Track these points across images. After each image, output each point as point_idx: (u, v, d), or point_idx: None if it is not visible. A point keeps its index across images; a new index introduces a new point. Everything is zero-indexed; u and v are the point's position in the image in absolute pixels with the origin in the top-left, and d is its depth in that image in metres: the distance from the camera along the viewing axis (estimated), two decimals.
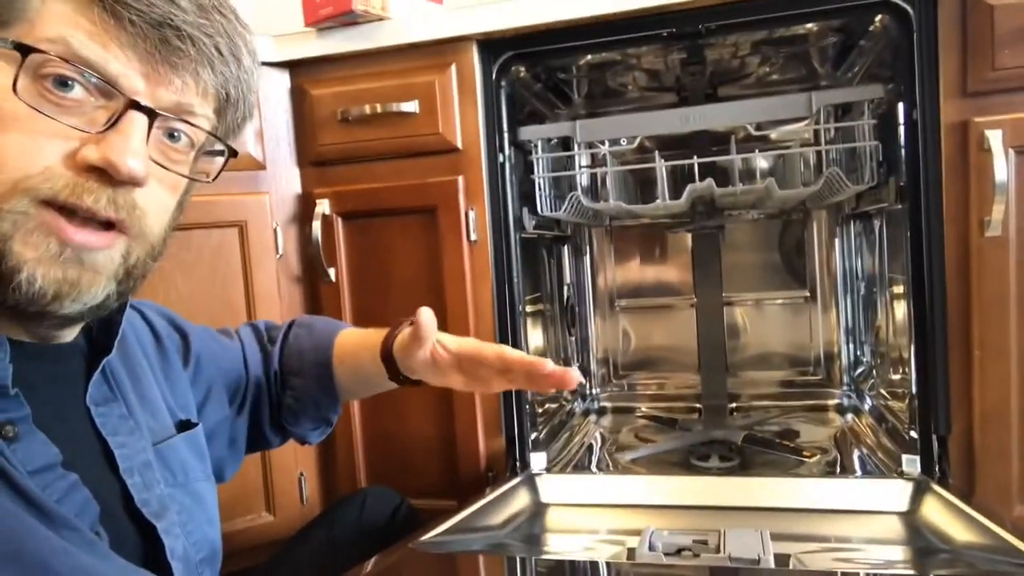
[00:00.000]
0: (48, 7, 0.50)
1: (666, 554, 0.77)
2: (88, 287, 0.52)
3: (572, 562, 0.86)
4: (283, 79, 1.23)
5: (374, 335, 0.85)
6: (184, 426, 0.71)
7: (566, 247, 1.64)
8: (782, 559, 0.78)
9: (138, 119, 0.51)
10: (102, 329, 0.63)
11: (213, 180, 0.62)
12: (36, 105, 0.49)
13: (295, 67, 1.22)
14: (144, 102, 0.52)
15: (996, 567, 0.73)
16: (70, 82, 0.50)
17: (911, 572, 0.85)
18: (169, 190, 0.57)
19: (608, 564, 0.82)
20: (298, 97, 1.22)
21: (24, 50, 0.48)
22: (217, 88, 0.56)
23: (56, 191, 0.49)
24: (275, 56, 1.20)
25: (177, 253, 1.13)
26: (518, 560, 0.86)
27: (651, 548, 0.78)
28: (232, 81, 0.57)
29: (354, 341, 0.88)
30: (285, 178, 1.24)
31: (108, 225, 0.52)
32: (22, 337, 0.55)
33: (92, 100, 0.51)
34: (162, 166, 0.55)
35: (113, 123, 0.50)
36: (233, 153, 0.62)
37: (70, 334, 0.60)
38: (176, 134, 0.56)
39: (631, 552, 0.82)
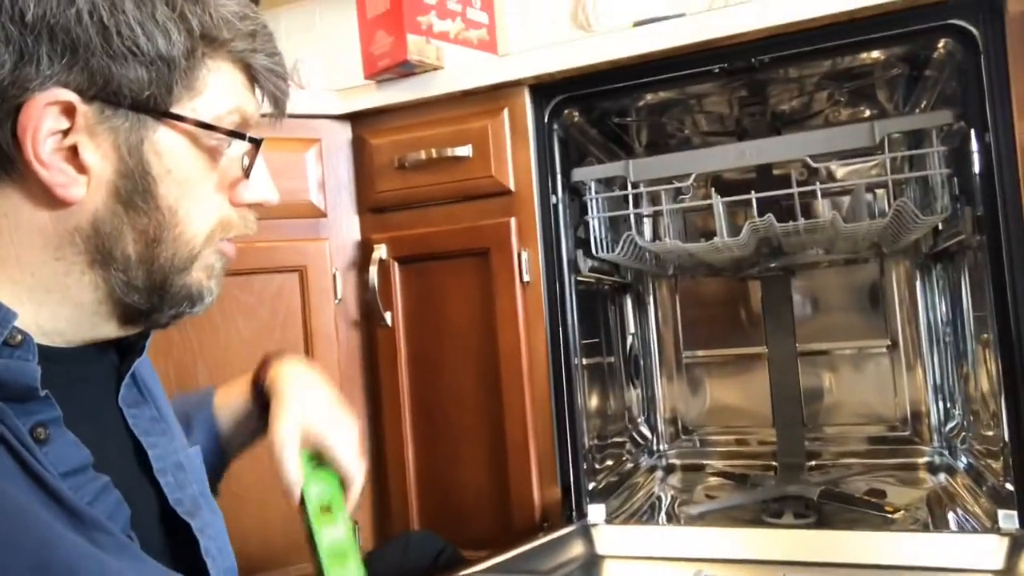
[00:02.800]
0: (218, 77, 0.55)
1: None
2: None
3: None
4: (344, 130, 1.28)
5: (242, 379, 0.82)
6: None
7: (628, 297, 1.61)
8: None
9: (261, 155, 0.59)
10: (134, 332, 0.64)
11: None
12: (213, 167, 0.56)
13: (355, 118, 1.27)
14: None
15: None
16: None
17: None
18: None
19: None
20: (358, 146, 1.27)
21: (255, 143, 0.57)
22: None
23: (243, 233, 0.59)
24: (338, 109, 1.26)
25: (239, 296, 1.17)
26: None
27: None
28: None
29: (224, 390, 0.83)
30: (345, 225, 1.28)
31: None
32: (115, 334, 0.58)
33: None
34: None
35: (251, 162, 0.58)
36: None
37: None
38: None
39: None
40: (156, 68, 0.51)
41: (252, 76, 0.57)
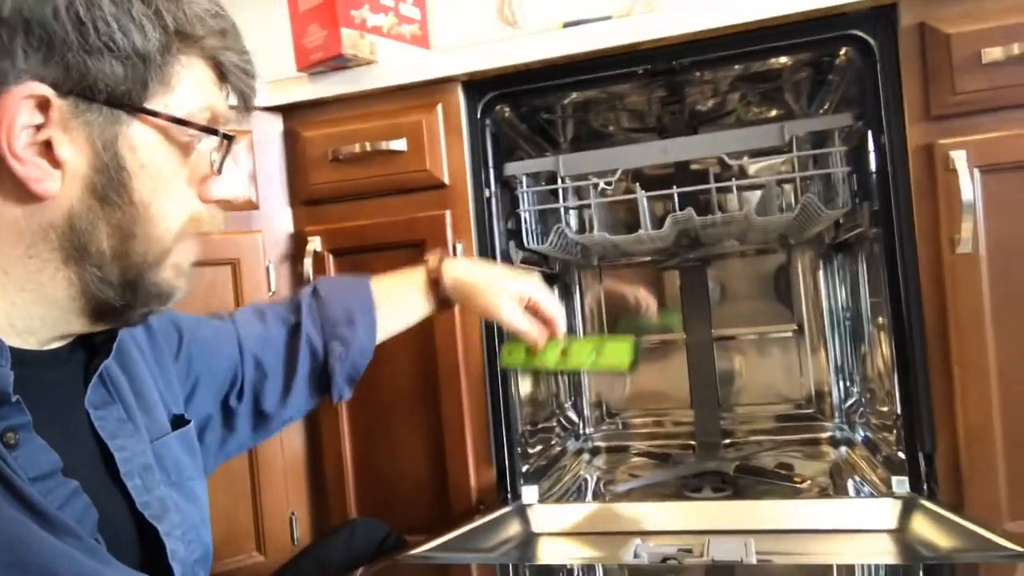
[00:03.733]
0: (188, 72, 0.55)
1: (651, 563, 0.77)
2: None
3: (561, 566, 0.85)
4: (276, 122, 1.28)
5: (408, 273, 0.95)
6: (177, 422, 0.71)
7: (555, 287, 1.66)
8: (765, 562, 0.77)
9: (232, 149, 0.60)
10: (101, 332, 0.64)
11: None
12: (184, 162, 0.56)
13: (288, 111, 1.27)
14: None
15: (986, 560, 0.73)
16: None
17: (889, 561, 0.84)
18: None
19: (594, 567, 0.81)
20: (291, 139, 1.27)
21: (228, 138, 0.58)
22: None
23: (213, 229, 0.60)
24: (269, 101, 1.25)
25: None
26: (510, 567, 0.85)
27: (636, 557, 0.78)
28: None
29: (389, 283, 0.94)
30: (277, 217, 1.27)
31: None
32: (86, 329, 0.58)
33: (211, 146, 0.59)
34: None
35: (221, 159, 0.59)
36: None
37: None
38: None
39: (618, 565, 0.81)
40: (132, 64, 0.51)
41: (222, 73, 0.58)
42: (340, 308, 0.89)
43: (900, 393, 1.05)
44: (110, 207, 0.53)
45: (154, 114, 0.53)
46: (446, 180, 1.20)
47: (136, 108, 0.52)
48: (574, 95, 1.28)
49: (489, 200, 1.21)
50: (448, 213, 1.20)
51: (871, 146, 1.08)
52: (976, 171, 0.98)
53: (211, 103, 0.57)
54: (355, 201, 1.25)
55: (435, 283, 0.92)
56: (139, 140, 0.53)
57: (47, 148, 0.50)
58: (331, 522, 1.26)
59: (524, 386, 1.40)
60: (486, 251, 1.20)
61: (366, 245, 1.24)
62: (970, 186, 0.97)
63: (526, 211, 1.29)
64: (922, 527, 0.93)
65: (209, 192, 0.58)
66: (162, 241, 0.56)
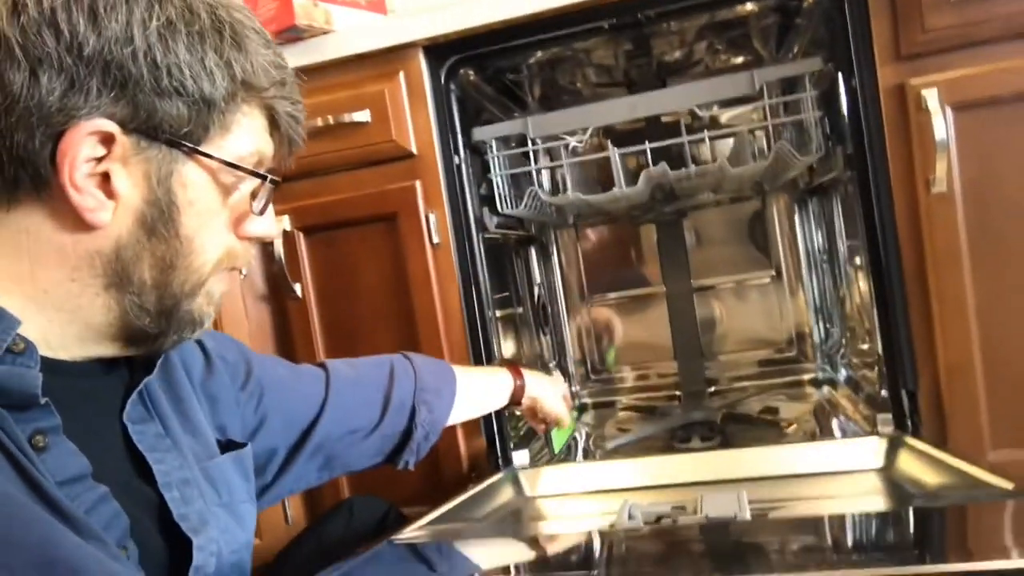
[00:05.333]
0: (244, 120, 0.57)
1: (645, 523, 0.78)
2: None
3: (549, 535, 0.86)
4: None
5: (494, 378, 1.07)
6: (228, 447, 0.71)
7: (532, 248, 1.65)
8: (759, 516, 0.78)
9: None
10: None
11: None
12: (227, 202, 0.58)
13: None
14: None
15: (972, 500, 0.75)
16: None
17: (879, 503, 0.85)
18: None
19: (589, 534, 0.82)
20: None
21: (275, 183, 0.59)
22: None
23: (242, 265, 0.62)
24: None
25: None
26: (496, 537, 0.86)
27: (630, 519, 0.78)
28: None
29: (470, 378, 1.03)
30: None
31: None
32: (118, 354, 0.59)
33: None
34: None
35: (262, 200, 0.60)
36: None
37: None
38: None
39: (611, 528, 0.82)
40: (197, 108, 0.54)
41: (274, 120, 0.60)
42: (431, 378, 0.95)
43: (881, 332, 1.06)
44: (157, 239, 0.55)
45: (209, 156, 0.55)
46: (413, 150, 1.17)
47: (194, 150, 0.55)
48: (539, 54, 1.24)
49: (459, 167, 1.19)
50: (418, 183, 1.17)
51: (842, 89, 1.07)
52: (948, 109, 0.98)
53: (260, 148, 0.59)
54: (322, 177, 1.22)
55: (516, 400, 1.07)
56: (191, 178, 0.55)
57: (105, 180, 0.52)
58: (323, 500, 1.26)
59: (507, 349, 1.40)
60: (459, 219, 1.18)
61: (337, 221, 1.21)
62: (943, 125, 0.96)
63: (498, 176, 1.27)
64: (908, 465, 0.94)
65: (246, 230, 0.60)
66: (200, 272, 0.58)
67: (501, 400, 1.06)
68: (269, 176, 0.59)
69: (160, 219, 0.54)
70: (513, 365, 1.10)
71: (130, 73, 0.51)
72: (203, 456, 0.66)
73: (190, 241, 0.56)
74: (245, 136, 0.58)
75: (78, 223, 0.52)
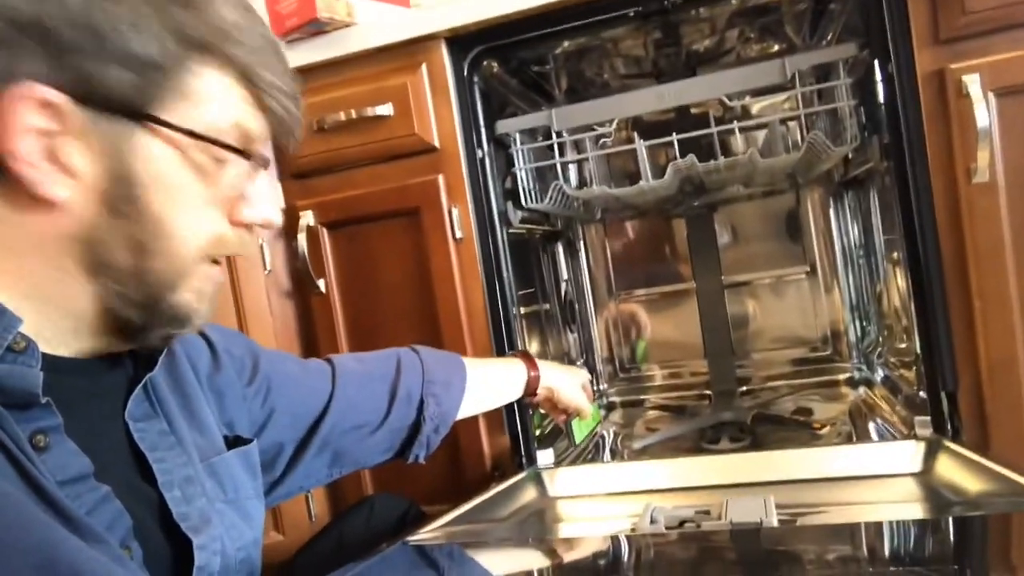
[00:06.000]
0: (211, 85, 0.54)
1: (668, 527, 0.75)
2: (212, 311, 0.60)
3: (568, 539, 0.84)
4: None
5: (506, 368, 1.05)
6: (235, 442, 0.70)
7: (559, 244, 1.63)
8: (787, 522, 0.75)
9: (268, 175, 0.60)
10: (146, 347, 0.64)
11: None
12: (205, 180, 0.55)
13: None
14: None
15: (1017, 508, 0.71)
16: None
17: (914, 516, 0.81)
18: None
19: (610, 539, 0.80)
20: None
21: (247, 156, 0.55)
22: None
23: (235, 251, 0.58)
24: None
25: None
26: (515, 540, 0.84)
27: (652, 522, 0.76)
28: None
29: (485, 370, 1.01)
30: None
31: None
32: (114, 348, 0.58)
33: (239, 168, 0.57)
34: None
35: (254, 182, 0.58)
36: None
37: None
38: None
39: (633, 532, 0.80)
40: (143, 73, 0.50)
41: (257, 93, 0.56)
42: (439, 370, 0.93)
43: (919, 330, 1.02)
44: (122, 218, 0.52)
45: (166, 125, 0.52)
46: (436, 143, 1.16)
47: (149, 118, 0.51)
48: (565, 44, 1.22)
49: (482, 161, 1.17)
50: (441, 177, 1.16)
51: (878, 76, 1.03)
52: (991, 95, 0.93)
53: (240, 122, 0.55)
54: (345, 171, 1.21)
55: (531, 391, 1.05)
56: (153, 152, 0.52)
57: (57, 154, 0.50)
58: (347, 497, 1.26)
59: (533, 346, 1.38)
60: (483, 214, 1.16)
61: (360, 216, 1.20)
62: (985, 112, 0.92)
63: (522, 169, 1.24)
64: (947, 470, 0.90)
65: (238, 215, 0.57)
66: (180, 259, 0.55)
67: (515, 391, 1.04)
68: (242, 150, 0.55)
69: (122, 197, 0.52)
70: (527, 355, 1.08)
71: (67, 36, 0.48)
72: (209, 452, 0.66)
73: (161, 222, 0.53)
74: (214, 106, 0.54)
75: (36, 201, 0.50)
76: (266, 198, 0.59)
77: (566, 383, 1.09)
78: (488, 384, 1.01)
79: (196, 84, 0.53)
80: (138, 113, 0.51)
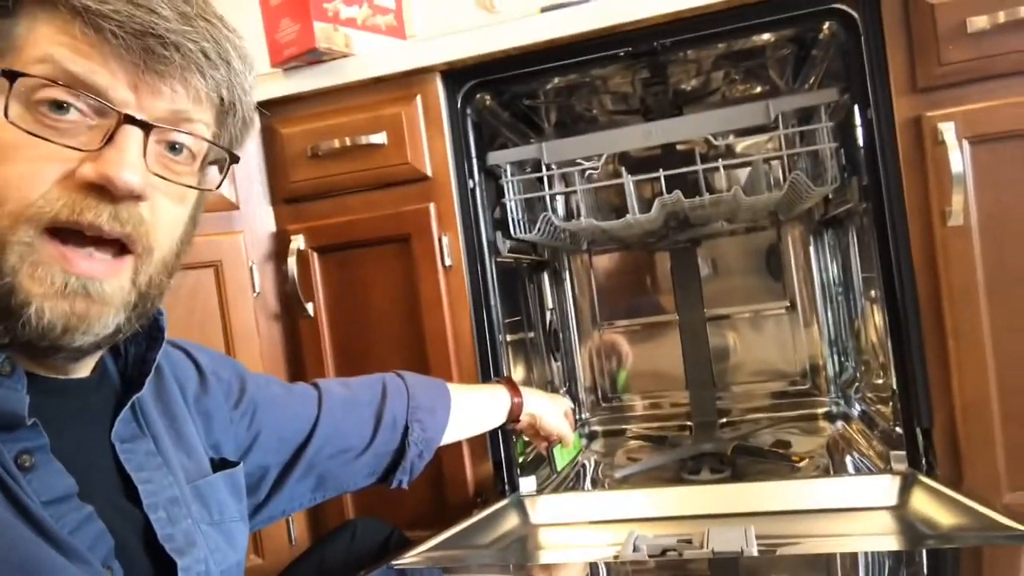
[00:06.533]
0: (34, 31, 0.50)
1: (650, 555, 0.76)
2: (97, 318, 0.52)
3: (551, 565, 0.85)
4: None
5: (491, 394, 1.06)
6: (221, 465, 0.70)
7: (545, 273, 1.65)
8: (767, 552, 0.77)
9: (133, 132, 0.51)
10: (136, 366, 0.63)
11: (217, 188, 0.62)
12: (32, 131, 0.49)
13: (263, 108, 1.24)
14: (137, 115, 0.52)
15: (988, 542, 0.73)
16: (64, 104, 0.50)
17: (889, 548, 0.83)
18: (176, 202, 0.57)
19: (593, 565, 0.81)
20: (268, 137, 1.24)
21: (11, 76, 0.49)
22: (209, 92, 0.56)
23: (56, 212, 0.49)
24: None
25: None
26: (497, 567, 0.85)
27: (635, 551, 0.77)
28: (224, 84, 0.56)
29: (470, 396, 1.03)
30: (259, 217, 1.25)
31: (118, 250, 0.53)
32: (39, 372, 0.55)
33: (87, 120, 0.51)
34: (164, 179, 0.55)
35: (108, 139, 0.51)
36: (235, 159, 0.62)
37: (85, 367, 0.59)
38: (177, 147, 0.56)
39: (616, 559, 0.81)
40: None
41: (83, 22, 0.50)
42: (425, 396, 0.94)
43: (895, 368, 1.05)
44: None
45: None
46: (428, 172, 1.18)
47: None
48: (556, 80, 1.25)
49: (473, 191, 1.19)
50: (432, 206, 1.18)
51: (858, 120, 1.07)
52: (965, 143, 0.97)
53: (50, 53, 0.50)
54: (337, 197, 1.23)
55: (514, 417, 1.07)
56: None
57: None
58: (328, 521, 1.26)
59: (518, 373, 1.39)
60: (472, 242, 1.18)
61: (351, 241, 1.22)
62: (959, 158, 0.96)
63: (512, 200, 1.27)
64: (922, 504, 0.92)
65: (79, 172, 0.50)
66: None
67: (498, 417, 1.06)
68: (8, 70, 0.49)
69: None
70: (511, 382, 1.09)
71: None
72: (195, 474, 0.66)
73: None
74: (36, 47, 0.50)
75: None
76: (119, 156, 0.50)
77: (549, 410, 1.10)
78: (472, 410, 1.02)
79: (20, 32, 0.50)
80: None
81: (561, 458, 1.30)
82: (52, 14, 0.50)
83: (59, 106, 0.50)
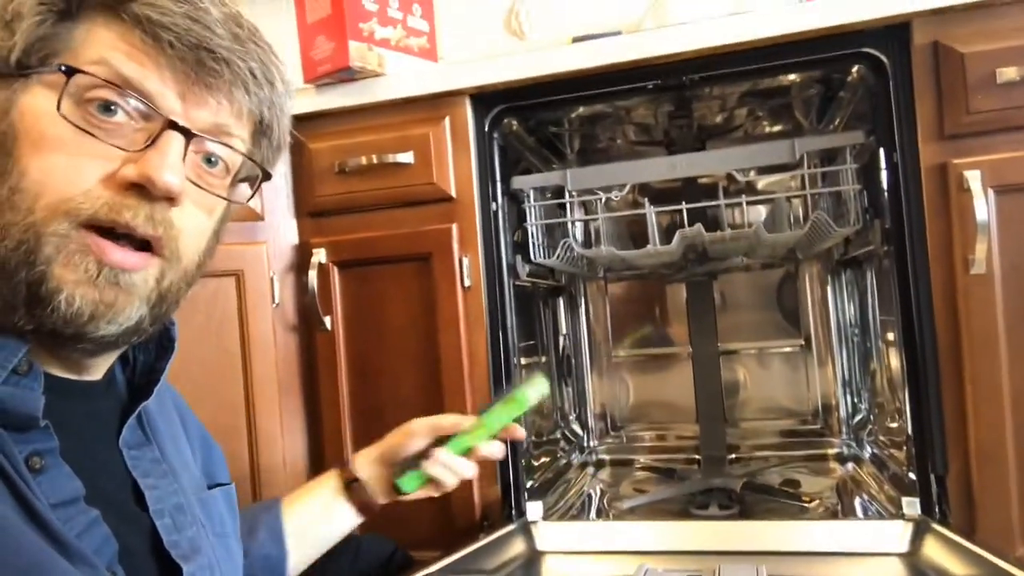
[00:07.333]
0: (92, 35, 0.52)
1: None
2: (123, 308, 0.53)
3: None
4: None
5: (317, 481, 0.91)
6: (215, 485, 0.71)
7: (561, 299, 1.65)
8: None
9: (175, 138, 0.53)
10: (144, 374, 0.64)
11: (247, 202, 0.64)
12: (81, 126, 0.51)
13: (294, 122, 1.26)
14: (181, 122, 0.54)
15: None
16: (112, 106, 0.52)
17: None
18: (205, 213, 0.58)
19: None
20: (296, 150, 1.26)
21: (69, 72, 0.51)
22: (251, 109, 0.58)
23: (96, 210, 0.50)
24: None
25: None
26: None
27: None
28: (266, 103, 0.59)
29: (299, 491, 0.90)
30: (283, 229, 1.26)
31: (145, 246, 0.54)
32: (55, 371, 0.56)
33: (132, 123, 0.53)
34: (198, 187, 0.56)
35: (152, 142, 0.52)
36: (267, 176, 0.64)
37: (100, 368, 0.60)
38: (213, 159, 0.58)
39: None
40: (11, 27, 0.51)
41: (143, 31, 0.52)
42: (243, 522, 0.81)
43: (911, 413, 1.04)
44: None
45: (36, 72, 0.51)
46: (453, 193, 1.19)
47: (19, 71, 0.51)
48: (582, 109, 1.27)
49: (496, 213, 1.20)
50: (454, 226, 1.19)
51: (883, 164, 1.07)
52: (991, 191, 0.97)
53: (105, 57, 0.52)
54: (361, 213, 1.24)
55: (350, 483, 0.90)
56: (30, 105, 0.51)
57: None
58: None
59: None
60: (492, 264, 1.19)
61: (371, 257, 1.23)
62: (984, 207, 0.96)
63: (533, 225, 1.28)
64: (934, 552, 0.91)
65: (122, 172, 0.51)
66: (29, 209, 0.50)
67: (334, 506, 0.91)
68: (56, 63, 0.51)
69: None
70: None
71: None
72: (193, 488, 0.66)
73: (23, 175, 0.50)
74: (91, 51, 0.52)
75: None
76: (160, 159, 0.52)
77: (384, 443, 0.95)
78: (308, 519, 0.89)
79: (71, 34, 0.52)
80: (16, 69, 0.51)
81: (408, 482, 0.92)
82: (112, 20, 0.52)
83: (107, 108, 0.52)
